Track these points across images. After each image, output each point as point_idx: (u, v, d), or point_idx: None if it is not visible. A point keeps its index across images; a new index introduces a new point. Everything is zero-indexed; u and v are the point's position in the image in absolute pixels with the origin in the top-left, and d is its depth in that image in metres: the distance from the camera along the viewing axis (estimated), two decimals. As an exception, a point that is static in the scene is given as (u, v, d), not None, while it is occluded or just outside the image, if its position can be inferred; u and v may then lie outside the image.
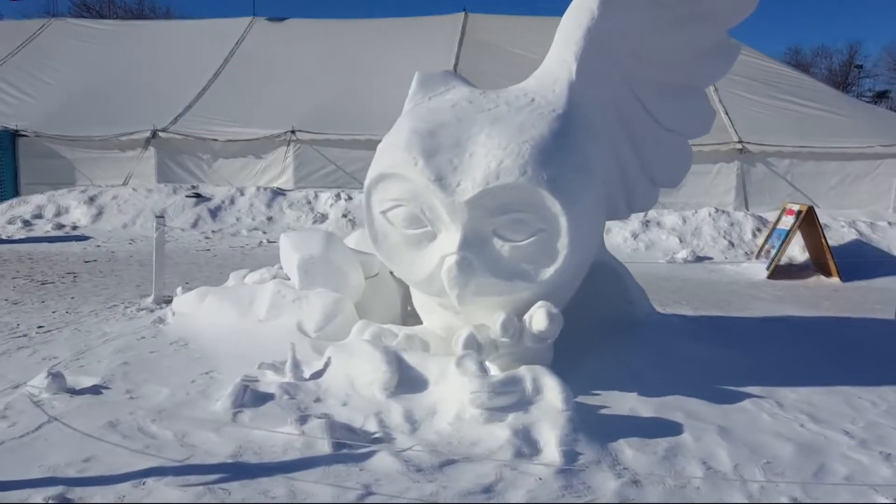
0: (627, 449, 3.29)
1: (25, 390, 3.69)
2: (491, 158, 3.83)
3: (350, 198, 12.08)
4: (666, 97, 5.03)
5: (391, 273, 5.29)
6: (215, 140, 13.37)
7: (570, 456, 3.10)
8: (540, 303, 3.96)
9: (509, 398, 3.40)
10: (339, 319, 4.63)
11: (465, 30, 16.84)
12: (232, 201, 12.29)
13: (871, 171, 11.68)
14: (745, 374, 4.56)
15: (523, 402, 3.42)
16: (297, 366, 3.83)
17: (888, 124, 12.68)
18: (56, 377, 3.69)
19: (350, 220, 11.58)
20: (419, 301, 4.61)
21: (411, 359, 3.77)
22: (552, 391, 3.42)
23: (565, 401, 3.38)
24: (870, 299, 7.84)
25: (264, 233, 11.39)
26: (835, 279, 8.80)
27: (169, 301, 5.96)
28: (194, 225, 11.61)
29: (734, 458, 3.26)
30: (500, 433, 3.26)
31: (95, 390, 3.75)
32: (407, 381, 3.68)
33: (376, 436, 3.25)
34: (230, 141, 13.31)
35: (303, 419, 3.18)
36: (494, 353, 3.95)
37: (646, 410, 3.81)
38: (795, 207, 9.24)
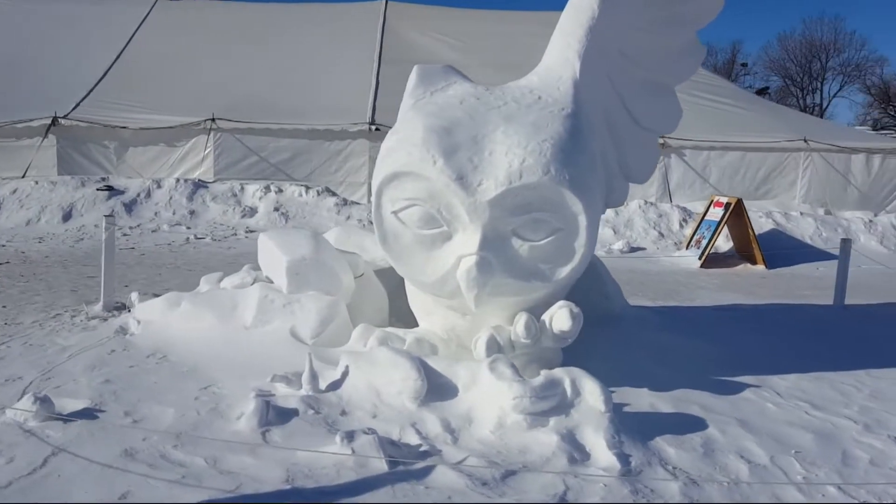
0: (667, 447, 3.33)
1: (7, 418, 3.28)
2: (513, 157, 3.75)
3: (280, 190, 11.64)
4: (643, 95, 5.12)
5: (375, 273, 5.14)
6: (125, 128, 12.51)
7: (622, 459, 3.09)
8: (561, 302, 3.94)
9: (550, 402, 3.35)
10: (335, 324, 4.43)
11: (386, 17, 16.59)
12: (148, 194, 11.56)
13: (779, 164, 12.44)
14: (728, 364, 4.73)
15: (564, 406, 3.38)
16: (315, 377, 3.62)
17: (790, 120, 13.56)
18: (44, 401, 3.30)
19: (283, 213, 11.15)
20: (418, 302, 4.47)
21: (437, 364, 3.65)
22: (592, 393, 3.39)
23: (606, 402, 3.36)
24: (799, 286, 8.36)
25: (188, 228, 10.77)
26: (760, 267, 9.32)
27: (120, 308, 5.52)
28: (109, 220, 10.81)
29: (766, 451, 3.36)
30: (546, 439, 3.21)
31: (89, 414, 3.39)
32: (435, 388, 3.55)
33: (422, 449, 3.11)
34: (143, 129, 12.48)
35: (349, 436, 3.00)
36: (511, 354, 3.90)
37: (664, 406, 3.86)
38: (724, 200, 9.70)
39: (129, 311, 5.37)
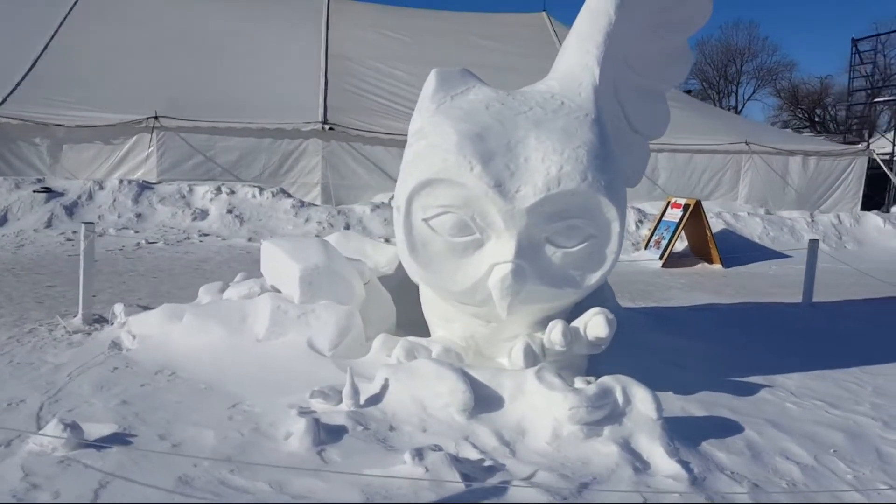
0: (716, 452, 3.37)
1: (33, 446, 3.02)
2: (550, 164, 3.72)
3: (232, 191, 11.24)
4: (638, 101, 5.20)
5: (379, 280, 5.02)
6: (59, 125, 11.81)
7: (685, 466, 3.11)
8: (596, 309, 3.95)
9: (603, 411, 3.34)
10: (352, 334, 4.30)
11: (329, 12, 16.30)
12: (90, 196, 10.94)
13: (723, 166, 12.93)
14: (732, 364, 4.88)
15: (616, 415, 3.38)
16: (356, 391, 3.48)
17: (732, 123, 14.12)
18: (74, 428, 3.05)
19: (237, 216, 10.77)
20: (437, 310, 4.39)
21: (480, 375, 3.58)
22: (643, 401, 3.40)
23: (658, 409, 3.38)
24: (760, 284, 8.70)
25: (136, 232, 10.26)
26: (717, 266, 9.65)
27: (100, 321, 5.19)
28: (48, 224, 10.19)
29: (807, 451, 3.46)
30: (605, 449, 3.20)
31: (121, 440, 3.16)
32: (479, 399, 3.48)
33: (487, 464, 3.04)
34: (79, 126, 11.81)
35: (419, 454, 2.90)
36: (543, 361, 3.88)
37: (695, 410, 3.93)
38: (682, 201, 9.99)
39: (112, 323, 5.06)
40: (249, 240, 10.05)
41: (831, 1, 62.38)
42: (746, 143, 12.82)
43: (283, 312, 4.32)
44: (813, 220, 11.40)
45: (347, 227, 10.78)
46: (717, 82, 46.85)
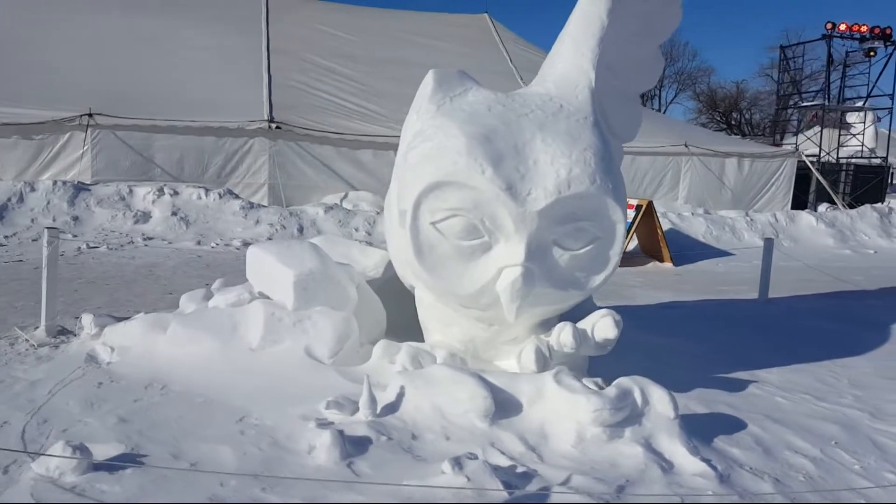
0: (729, 448, 3.46)
1: (37, 471, 2.80)
2: (559, 166, 3.72)
3: (176, 193, 10.79)
4: (616, 104, 5.28)
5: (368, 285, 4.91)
6: (-19, 123, 11.08)
7: (709, 464, 3.17)
8: (603, 311, 3.98)
9: (624, 412, 3.36)
10: (350, 341, 4.19)
11: (269, 8, 15.91)
12: (21, 198, 10.30)
13: (664, 167, 13.33)
14: (714, 360, 5.06)
15: (635, 415, 3.41)
16: (374, 401, 3.39)
17: (672, 126, 14.56)
18: (82, 450, 2.85)
19: (182, 218, 10.35)
20: (435, 314, 4.33)
21: (497, 380, 3.54)
22: (661, 400, 3.44)
23: (675, 409, 3.43)
24: (713, 281, 9.00)
25: (75, 236, 9.71)
26: (668, 264, 9.92)
27: (64, 332, 4.88)
28: (-24, 228, 9.53)
29: (810, 444, 3.58)
30: (629, 450, 3.22)
31: (132, 461, 2.96)
32: (498, 404, 3.45)
33: (519, 470, 3.01)
34: (5, 124, 11.11)
35: (458, 463, 2.84)
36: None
37: (697, 407, 4.01)
38: (634, 202, 10.22)
39: (78, 335, 4.77)
40: (198, 243, 9.68)
41: (744, 10, 65.28)
42: (686, 146, 13.26)
43: (278, 320, 4.16)
44: (751, 220, 11.88)
45: (301, 230, 10.54)
46: (640, 85, 48.19)
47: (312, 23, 16.04)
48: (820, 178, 14.25)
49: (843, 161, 16.45)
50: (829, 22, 15.37)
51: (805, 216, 12.42)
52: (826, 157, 15.65)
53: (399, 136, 14.51)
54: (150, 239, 9.71)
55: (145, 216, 10.39)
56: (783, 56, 17.21)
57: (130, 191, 10.83)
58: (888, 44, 15.85)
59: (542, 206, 3.65)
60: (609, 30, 4.64)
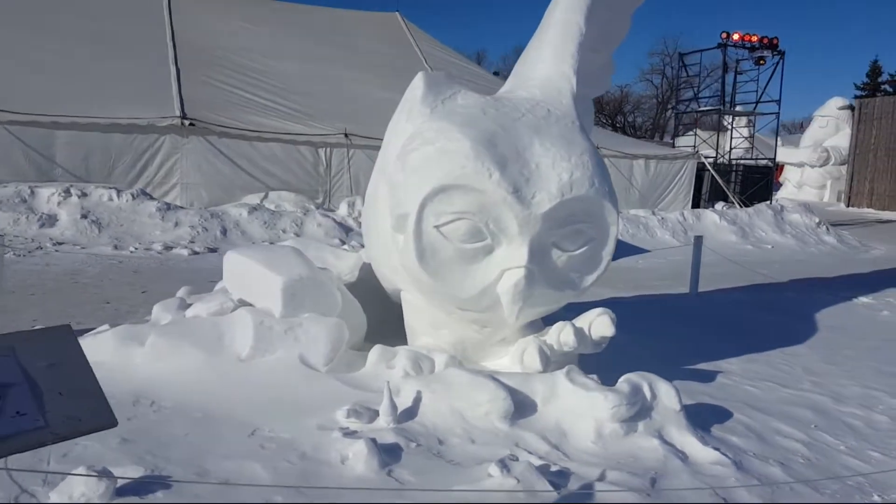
0: (728, 436, 3.66)
1: (57, 499, 2.57)
2: (561, 170, 3.80)
3: (84, 194, 10.09)
4: (582, 109, 5.48)
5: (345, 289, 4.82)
6: None
7: (720, 452, 3.34)
8: (599, 309, 4.10)
9: (636, 407, 3.48)
10: (343, 347, 4.10)
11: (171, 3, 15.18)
12: None
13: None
14: (678, 354, 5.28)
15: (645, 409, 3.54)
16: (395, 407, 3.34)
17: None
18: (108, 475, 2.64)
19: (93, 221, 9.69)
20: (425, 317, 4.32)
21: (511, 381, 3.58)
22: (667, 394, 3.59)
23: (680, 401, 3.59)
24: (641, 277, 9.42)
25: (-27, 241, 8.90)
26: (593, 261, 10.27)
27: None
28: None
29: (795, 429, 3.85)
30: (646, 444, 3.35)
31: (163, 484, 2.78)
32: (514, 404, 3.49)
33: (554, 469, 3.06)
34: None
35: (505, 465, 2.85)
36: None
37: (684, 399, 4.20)
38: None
39: (31, 349, 4.40)
40: (115, 247, 9.11)
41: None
42: (598, 147, 13.75)
43: (268, 328, 4.01)
44: (662, 218, 12.52)
45: (224, 232, 10.13)
46: (533, 89, 49.41)
47: (218, 13, 15.45)
48: (718, 178, 15.22)
49: (734, 162, 17.66)
50: (724, 31, 16.50)
51: (710, 214, 13.22)
52: (721, 159, 16.73)
53: (320, 134, 14.31)
54: (61, 244, 9.05)
55: (51, 219, 9.66)
56: (682, 62, 18.25)
57: (32, 192, 10.02)
58: (775, 53, 17.18)
59: (547, 209, 3.72)
60: (585, 37, 4.79)
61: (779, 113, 17.89)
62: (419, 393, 3.48)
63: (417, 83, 4.25)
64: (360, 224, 11.11)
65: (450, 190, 3.71)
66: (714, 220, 12.93)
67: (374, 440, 3.04)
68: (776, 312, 6.99)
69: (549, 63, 4.60)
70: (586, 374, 3.95)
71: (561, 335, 3.95)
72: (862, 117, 27.05)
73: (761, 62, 17.22)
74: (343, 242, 10.23)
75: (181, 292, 4.74)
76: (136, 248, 9.11)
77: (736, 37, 16.57)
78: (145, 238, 9.63)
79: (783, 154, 27.66)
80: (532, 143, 3.90)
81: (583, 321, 4.09)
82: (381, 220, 4.31)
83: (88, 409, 1.63)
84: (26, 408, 1.46)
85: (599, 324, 4.02)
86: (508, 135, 3.91)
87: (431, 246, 3.81)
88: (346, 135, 12.64)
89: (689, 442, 3.40)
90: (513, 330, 4.24)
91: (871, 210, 25.80)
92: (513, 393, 3.51)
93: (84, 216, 9.76)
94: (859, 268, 11.15)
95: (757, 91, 17.55)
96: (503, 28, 73.97)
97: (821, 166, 30.02)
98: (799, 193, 29.24)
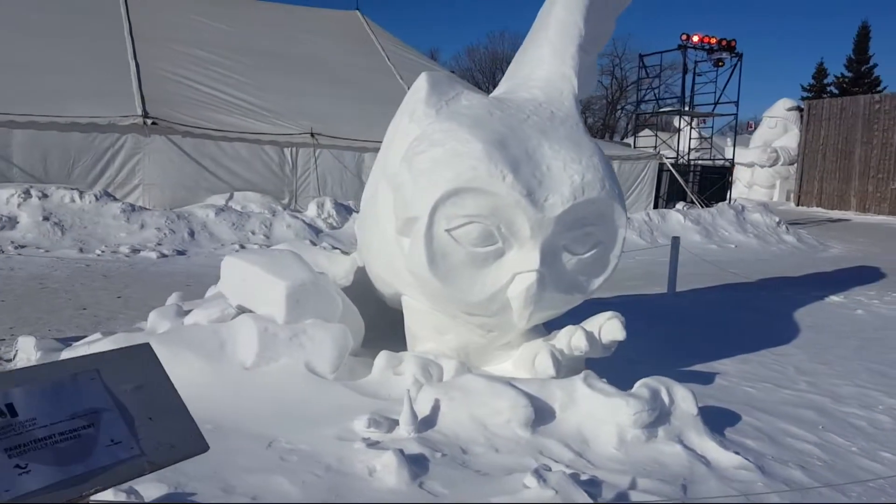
0: (743, 439, 3.68)
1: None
2: (572, 172, 3.77)
3: (45, 195, 9.68)
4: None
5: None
6: None
7: (742, 456, 3.35)
8: (609, 313, 4.08)
9: (656, 412, 3.47)
10: (347, 353, 4.00)
11: (128, -3, 14.71)
12: None
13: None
14: (672, 354, 5.31)
15: (664, 414, 3.53)
16: (415, 416, 3.25)
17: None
18: (136, 496, 2.50)
19: (56, 224, 9.30)
20: (429, 322, 4.24)
21: (529, 387, 3.53)
22: (684, 398, 3.59)
23: (696, 405, 3.59)
24: (617, 278, 9.43)
25: (-75, 244, 8.45)
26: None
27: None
28: None
29: (803, 430, 3.89)
30: (668, 449, 3.33)
31: (185, 500, 2.64)
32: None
33: (584, 478, 3.02)
34: None
35: (540, 476, 2.79)
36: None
37: (689, 401, 4.22)
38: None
39: (14, 361, 4.19)
40: (80, 251, 8.76)
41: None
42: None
43: (272, 335, 3.87)
44: (629, 218, 12.63)
45: (192, 234, 9.84)
46: (486, 88, 49.87)
47: (175, 7, 15.02)
48: (679, 179, 15.48)
49: (692, 163, 18.00)
50: (684, 33, 16.79)
51: (674, 214, 13.43)
52: (682, 160, 17.03)
53: (286, 134, 14.03)
54: (23, 247, 8.66)
55: (11, 221, 9.24)
56: (642, 64, 18.52)
57: (-12, 193, 9.57)
58: (733, 55, 17.57)
59: (560, 212, 3.68)
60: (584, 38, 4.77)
61: (737, 114, 18.35)
62: (437, 401, 3.40)
63: (421, 84, 4.16)
64: (329, 226, 10.96)
65: (462, 193, 3.63)
66: (679, 220, 13.14)
67: (401, 451, 2.95)
68: (755, 312, 7.11)
69: (549, 64, 4.57)
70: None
71: (573, 339, 3.92)
72: (811, 118, 27.90)
73: (720, 64, 17.61)
74: (314, 244, 10.04)
75: (173, 298, 4.55)
76: (102, 252, 8.78)
77: (696, 38, 16.91)
78: (111, 241, 9.29)
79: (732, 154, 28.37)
80: (541, 144, 3.85)
81: (592, 325, 4.07)
82: (382, 224, 4.21)
83: (179, 434, 1.52)
84: (120, 435, 1.34)
85: (610, 327, 4.00)
86: (517, 137, 3.86)
87: (442, 250, 3.73)
88: (312, 134, 12.42)
89: (709, 447, 3.40)
90: (517, 334, 4.20)
91: (820, 209, 26.64)
92: (532, 399, 3.46)
93: (46, 218, 9.37)
94: (822, 267, 11.47)
95: (715, 92, 17.94)
96: (455, 28, 74.30)
97: (770, 166, 30.87)
98: (749, 193, 30.00)
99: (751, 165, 31.24)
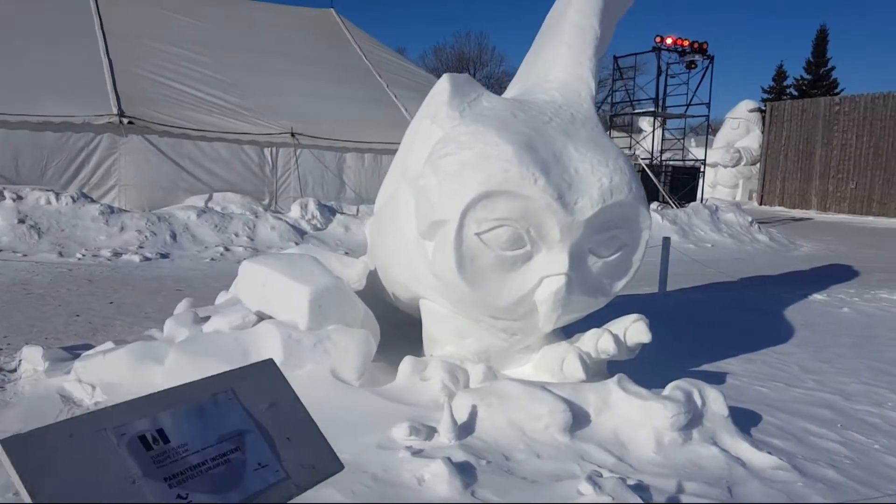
0: (768, 438, 3.72)
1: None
2: (601, 175, 3.76)
3: (19, 197, 9.37)
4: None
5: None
6: None
7: (777, 456, 3.38)
8: (634, 316, 4.09)
9: (690, 415, 3.49)
10: (371, 359, 3.95)
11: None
12: None
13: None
14: (678, 354, 5.36)
15: (697, 416, 3.55)
16: (456, 424, 3.21)
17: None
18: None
19: (32, 226, 9.00)
20: (450, 326, 4.20)
21: (563, 392, 3.52)
22: (715, 400, 3.62)
23: (727, 407, 3.62)
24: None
25: None
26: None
27: (-8, 367, 4.11)
28: None
29: (824, 428, 3.95)
30: (705, 451, 3.35)
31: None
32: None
33: (631, 483, 3.02)
34: None
35: (594, 482, 2.78)
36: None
37: (708, 402, 4.25)
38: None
39: (17, 371, 4.03)
40: (60, 254, 8.49)
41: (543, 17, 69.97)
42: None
43: (297, 342, 3.80)
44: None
45: (174, 236, 9.63)
46: (453, 87, 49.80)
47: (146, 4, 14.67)
48: (654, 179, 15.67)
49: (664, 163, 18.26)
50: (658, 35, 17.02)
51: (653, 215, 13.59)
52: (655, 160, 17.26)
53: (266, 133, 13.76)
54: (1, 251, 8.36)
55: (-16, 224, 8.91)
56: (616, 66, 18.73)
57: (-41, 194, 9.23)
58: (705, 57, 17.86)
59: (590, 215, 3.68)
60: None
61: (708, 115, 18.68)
62: (474, 407, 3.37)
63: (443, 85, 4.12)
64: (314, 227, 10.82)
65: (493, 196, 3.60)
66: (657, 220, 13.29)
67: (449, 459, 2.91)
68: (747, 311, 7.23)
69: (565, 66, 4.56)
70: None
71: (600, 342, 3.92)
72: (773, 119, 28.54)
73: (692, 66, 17.89)
74: (298, 246, 9.91)
75: (184, 305, 4.43)
76: (83, 255, 8.52)
77: (669, 41, 17.15)
78: (90, 244, 9.02)
79: (698, 154, 28.91)
80: (566, 147, 3.84)
81: (617, 327, 4.08)
82: (402, 227, 4.16)
83: (316, 454, 1.46)
84: (265, 458, 1.28)
85: (635, 330, 4.01)
86: (543, 139, 3.84)
87: (471, 253, 3.70)
88: (292, 134, 12.26)
89: (742, 448, 3.43)
90: (537, 338, 4.20)
91: (782, 208, 27.28)
92: (568, 404, 3.45)
93: (21, 221, 9.06)
94: (797, 265, 11.72)
95: (687, 94, 18.22)
96: (422, 27, 74.39)
97: (733, 166, 31.48)
98: (713, 193, 30.58)
99: (714, 165, 31.83)
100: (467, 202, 3.60)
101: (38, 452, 1.02)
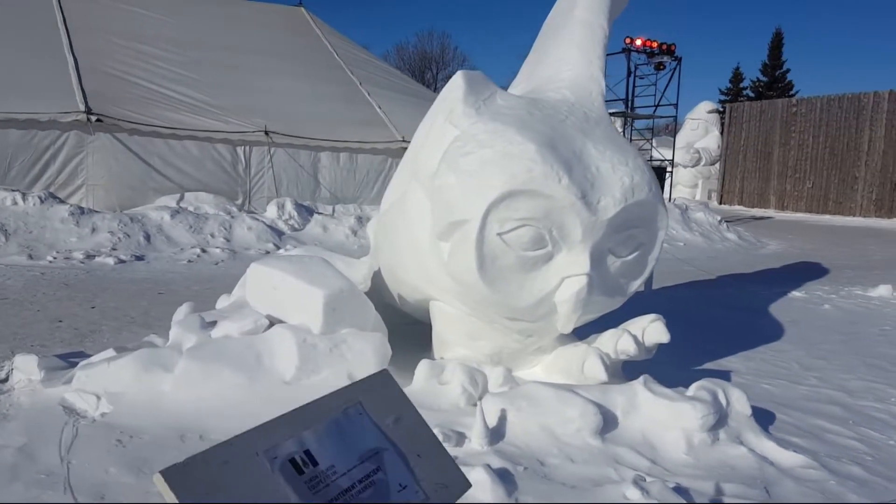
0: (789, 437, 3.73)
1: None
2: (622, 174, 3.73)
3: (-15, 197, 8.96)
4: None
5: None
6: None
7: (803, 454, 3.39)
8: (652, 316, 4.06)
9: (718, 415, 3.47)
10: (387, 362, 3.84)
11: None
12: None
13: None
14: (682, 353, 5.36)
15: (722, 417, 3.53)
16: (488, 429, 3.13)
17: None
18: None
19: (4, 231, 8.61)
20: (463, 328, 4.13)
21: (591, 394, 3.46)
22: (739, 400, 3.61)
23: (749, 406, 3.61)
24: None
25: None
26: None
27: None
28: None
29: (838, 425, 3.98)
30: (734, 452, 3.34)
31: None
32: (598, 419, 3.38)
33: (671, 485, 2.98)
34: None
35: (640, 487, 2.73)
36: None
37: (721, 401, 4.26)
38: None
39: (10, 381, 3.82)
40: (30, 257, 8.15)
41: (505, 18, 70.49)
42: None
43: (312, 346, 3.67)
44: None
45: (147, 238, 9.33)
46: (416, 86, 49.80)
47: (108, 1, 14.22)
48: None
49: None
50: (627, 37, 17.18)
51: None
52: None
53: (239, 132, 13.48)
54: (-34, 253, 7.99)
55: (-51, 226, 8.51)
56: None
57: (-82, 194, 8.79)
58: (673, 58, 18.11)
59: (612, 214, 3.64)
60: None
61: (676, 116, 18.96)
62: (503, 411, 3.30)
63: (458, 82, 4.02)
64: (291, 227, 10.61)
65: (516, 195, 3.53)
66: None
67: (489, 466, 2.83)
68: (734, 309, 7.31)
69: (575, 65, 4.52)
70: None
71: (619, 343, 3.88)
72: (732, 120, 29.12)
73: (661, 67, 18.13)
74: (278, 247, 9.71)
75: (185, 309, 4.25)
76: (54, 258, 8.19)
77: (639, 42, 17.35)
78: (61, 246, 8.69)
79: (662, 155, 29.37)
80: (585, 146, 3.80)
81: (635, 328, 4.04)
82: (413, 228, 4.07)
83: (445, 472, 1.36)
84: (405, 478, 1.18)
85: (653, 330, 3.98)
86: (562, 137, 3.79)
87: (492, 254, 3.62)
88: (266, 132, 12.01)
89: (768, 447, 3.42)
90: (550, 339, 4.15)
91: (741, 207, 27.86)
92: (597, 406, 3.41)
93: (-11, 223, 8.67)
94: (769, 263, 11.93)
95: (655, 94, 18.46)
96: (383, 26, 74.07)
97: (693, 166, 32.03)
98: (673, 192, 31.07)
99: (675, 166, 32.35)
100: (490, 201, 3.52)
101: (198, 482, 0.91)
